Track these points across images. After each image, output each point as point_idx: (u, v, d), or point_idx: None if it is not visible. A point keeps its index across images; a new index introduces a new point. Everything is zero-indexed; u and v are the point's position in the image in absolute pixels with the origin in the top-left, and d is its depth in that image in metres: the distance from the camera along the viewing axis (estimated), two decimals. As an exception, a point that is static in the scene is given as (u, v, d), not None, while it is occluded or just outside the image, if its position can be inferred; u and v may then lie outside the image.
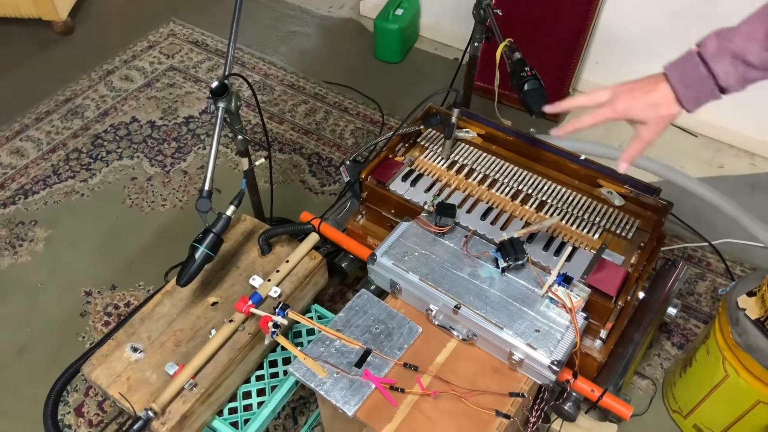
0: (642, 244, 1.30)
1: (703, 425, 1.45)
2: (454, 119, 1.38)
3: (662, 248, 1.51)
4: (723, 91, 0.88)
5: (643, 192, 1.34)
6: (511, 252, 1.17)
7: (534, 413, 1.22)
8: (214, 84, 1.22)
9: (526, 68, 1.28)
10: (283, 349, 1.37)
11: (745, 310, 1.26)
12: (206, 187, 1.22)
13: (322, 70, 2.56)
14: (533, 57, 1.41)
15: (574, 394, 1.24)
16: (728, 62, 0.85)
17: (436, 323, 1.20)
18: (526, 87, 1.26)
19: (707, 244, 1.88)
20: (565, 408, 1.26)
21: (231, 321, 1.25)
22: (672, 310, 1.43)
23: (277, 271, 1.33)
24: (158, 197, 2.10)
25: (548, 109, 1.01)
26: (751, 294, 1.28)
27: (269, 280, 1.31)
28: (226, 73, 1.25)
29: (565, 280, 1.16)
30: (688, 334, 1.71)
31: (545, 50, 2.19)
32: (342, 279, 1.74)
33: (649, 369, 1.64)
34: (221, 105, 1.24)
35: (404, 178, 1.42)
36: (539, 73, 1.30)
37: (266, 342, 1.23)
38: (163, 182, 2.15)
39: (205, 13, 2.87)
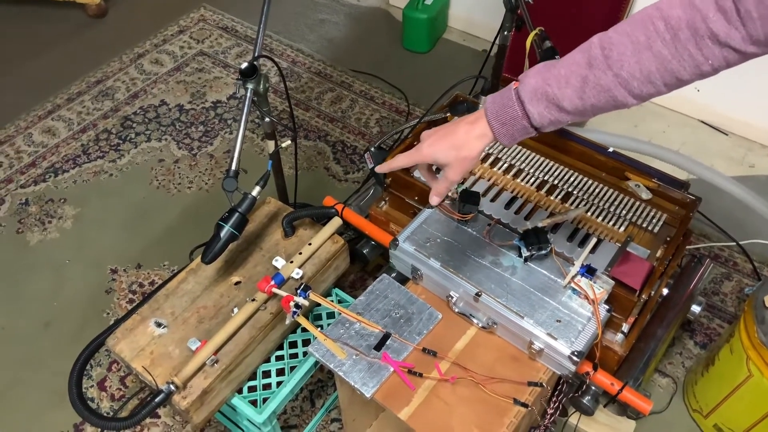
0: (668, 239, 1.28)
1: (723, 425, 1.43)
2: (481, 106, 1.37)
3: (689, 246, 1.49)
4: (537, 129, 0.89)
5: (671, 186, 1.32)
6: (534, 241, 1.16)
7: (552, 405, 1.21)
8: (244, 65, 1.23)
9: (557, 57, 1.26)
10: (304, 330, 1.38)
11: (772, 309, 1.23)
12: (233, 167, 1.23)
13: (349, 58, 2.57)
14: (564, 49, 1.40)
15: (593, 387, 1.23)
16: (543, 105, 0.85)
17: (456, 310, 1.20)
18: (555, 76, 1.24)
19: (735, 244, 1.85)
20: (584, 401, 1.25)
21: (253, 300, 1.26)
22: (696, 308, 1.41)
23: (300, 254, 1.34)
24: (185, 179, 2.13)
25: (378, 169, 1.07)
26: (778, 293, 1.25)
27: (292, 262, 1.32)
28: (256, 54, 1.26)
29: (589, 271, 1.15)
30: (712, 333, 1.68)
31: (575, 44, 2.16)
32: (363, 266, 1.75)
33: (671, 367, 1.62)
34: (250, 86, 1.26)
35: (429, 166, 1.42)
36: None
37: (287, 322, 1.24)
38: (190, 165, 2.18)
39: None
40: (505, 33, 1.61)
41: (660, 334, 1.29)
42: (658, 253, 1.26)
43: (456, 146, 0.92)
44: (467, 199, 1.23)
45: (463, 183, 1.39)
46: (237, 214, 1.22)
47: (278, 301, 1.27)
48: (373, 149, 1.59)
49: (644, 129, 2.22)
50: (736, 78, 2.11)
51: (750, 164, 2.12)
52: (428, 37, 2.56)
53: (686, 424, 1.52)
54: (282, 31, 2.67)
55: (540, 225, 1.18)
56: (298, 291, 1.20)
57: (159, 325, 1.27)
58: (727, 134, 2.21)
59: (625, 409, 1.28)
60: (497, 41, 1.66)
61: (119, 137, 2.27)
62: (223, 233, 1.21)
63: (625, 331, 1.22)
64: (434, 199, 1.02)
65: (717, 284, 1.79)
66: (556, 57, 1.28)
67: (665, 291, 1.35)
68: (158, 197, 2.08)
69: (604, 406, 1.29)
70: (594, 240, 1.22)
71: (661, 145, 1.99)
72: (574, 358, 1.07)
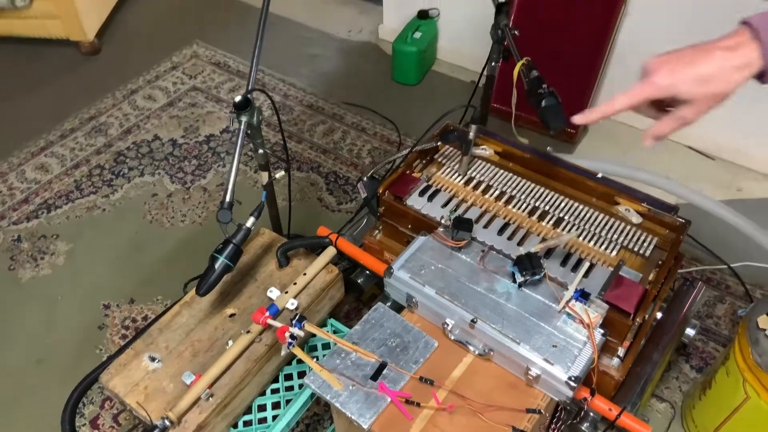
0: (660, 262, 1.29)
1: (723, 449, 1.42)
2: (471, 135, 1.40)
3: (680, 270, 1.51)
4: None
5: (660, 210, 1.34)
6: (528, 266, 1.17)
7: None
8: (238, 98, 1.25)
9: (544, 85, 1.29)
10: (299, 362, 1.37)
11: (765, 330, 1.24)
12: (227, 199, 1.24)
13: (340, 91, 2.61)
14: (550, 78, 1.43)
15: (591, 413, 1.22)
16: None
17: (452, 338, 1.20)
18: (543, 103, 1.27)
19: (726, 266, 1.86)
20: (582, 428, 1.24)
21: (248, 332, 1.25)
22: (690, 331, 1.41)
23: (295, 284, 1.34)
24: (178, 213, 2.13)
25: (577, 119, 0.86)
26: (771, 314, 1.26)
27: (286, 293, 1.32)
28: (250, 88, 1.28)
29: (583, 295, 1.15)
30: (707, 357, 1.68)
31: (562, 71, 2.21)
32: (358, 296, 1.75)
33: (668, 392, 1.61)
34: (244, 119, 1.27)
35: (421, 194, 1.43)
36: (556, 93, 1.32)
37: (282, 353, 1.24)
38: (183, 199, 2.18)
39: (229, 35, 2.94)
40: (493, 64, 1.64)
41: (656, 357, 1.29)
42: (651, 277, 1.27)
43: (705, 78, 0.75)
44: (460, 226, 1.24)
45: (455, 210, 1.40)
46: (231, 246, 1.22)
47: (273, 332, 1.27)
48: (365, 179, 1.61)
49: (633, 156, 2.26)
50: (726, 104, 2.16)
51: (737, 188, 2.15)
52: (418, 69, 2.60)
53: (686, 449, 1.51)
54: (274, 66, 2.71)
55: (533, 250, 1.19)
56: (293, 321, 1.20)
57: (153, 359, 1.25)
58: (713, 159, 2.25)
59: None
60: (485, 72, 1.70)
61: (112, 172, 2.28)
62: (218, 265, 1.21)
63: (621, 355, 1.22)
64: (648, 141, 0.82)
65: (710, 307, 1.80)
66: (543, 86, 1.31)
67: (659, 315, 1.35)
68: (151, 231, 2.08)
69: (603, 433, 1.28)
70: (587, 264, 1.23)
71: (650, 170, 2.02)
72: (572, 384, 1.07)
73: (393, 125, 2.42)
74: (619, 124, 2.40)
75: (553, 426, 1.23)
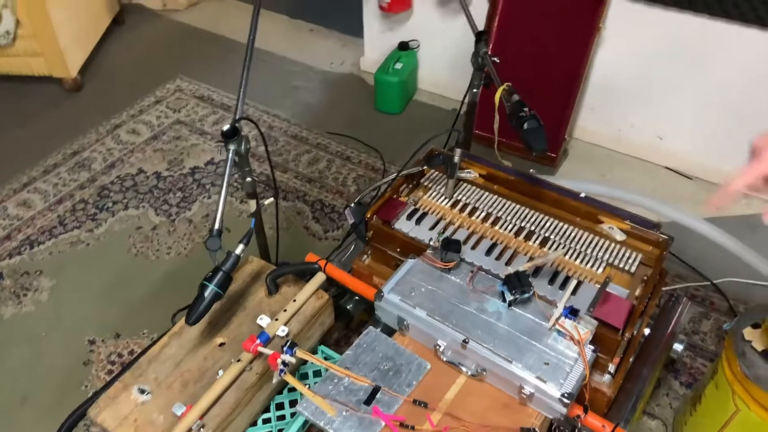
0: (645, 278, 1.31)
1: (717, 464, 1.42)
2: (456, 158, 1.43)
3: (665, 288, 1.53)
4: None
5: (643, 227, 1.37)
6: (517, 285, 1.18)
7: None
8: (226, 127, 1.27)
9: (525, 108, 1.33)
10: (290, 391, 1.36)
11: (751, 342, 1.26)
12: (216, 226, 1.24)
13: (324, 121, 2.64)
14: (531, 101, 1.47)
15: (584, 432, 1.22)
16: None
17: (445, 359, 1.20)
18: (525, 126, 1.30)
19: (709, 283, 1.89)
20: (577, 447, 1.24)
21: (239, 361, 1.24)
22: (678, 346, 1.43)
23: (285, 311, 1.33)
24: (163, 246, 2.12)
25: (711, 209, 0.92)
26: (756, 326, 1.28)
27: (276, 320, 1.32)
28: (237, 117, 1.30)
29: (572, 312, 1.17)
30: (696, 372, 1.70)
31: (540, 99, 2.26)
32: (347, 323, 1.74)
33: (659, 409, 1.62)
34: (232, 147, 1.28)
35: (409, 217, 1.45)
36: (538, 116, 1.35)
37: (274, 381, 1.22)
38: (168, 231, 2.17)
39: (212, 70, 2.97)
40: (474, 90, 1.68)
41: (646, 373, 1.30)
42: (637, 292, 1.29)
43: None
44: (449, 247, 1.26)
45: (443, 232, 1.42)
46: (221, 273, 1.22)
47: (264, 360, 1.26)
48: (352, 205, 1.62)
49: (612, 178, 2.30)
50: (696, 124, 2.23)
51: (716, 206, 2.20)
52: (400, 99, 2.65)
53: (680, 466, 1.51)
54: (258, 98, 2.74)
55: (521, 269, 1.21)
56: (285, 348, 1.19)
57: (142, 391, 1.24)
58: (691, 178, 2.31)
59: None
60: (467, 98, 1.74)
61: (96, 207, 2.27)
62: (207, 293, 1.21)
63: (612, 371, 1.23)
64: None
65: (696, 323, 1.82)
66: (525, 109, 1.35)
67: (647, 331, 1.37)
68: (137, 265, 2.06)
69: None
70: (574, 282, 1.24)
71: (634, 190, 2.08)
72: (565, 400, 1.07)
73: (377, 153, 2.45)
74: (597, 147, 2.45)
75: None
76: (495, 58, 1.57)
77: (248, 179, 1.39)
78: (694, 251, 1.96)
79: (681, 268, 1.94)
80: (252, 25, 1.33)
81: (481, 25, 2.00)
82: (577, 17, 2.13)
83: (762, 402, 1.25)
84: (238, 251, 1.26)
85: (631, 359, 1.29)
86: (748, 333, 1.28)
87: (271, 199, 1.35)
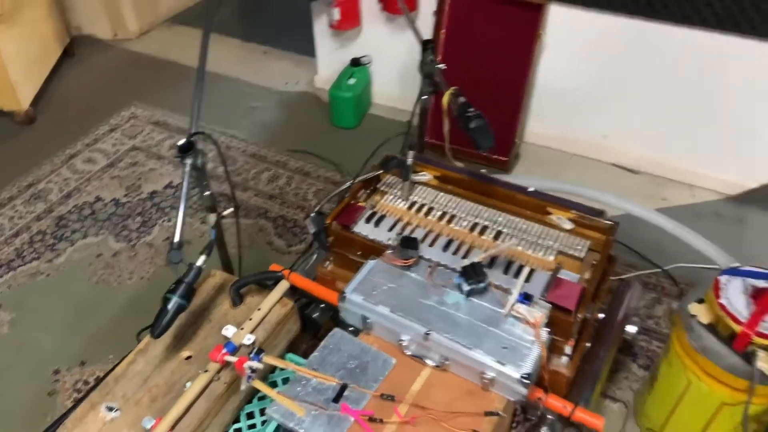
0: (594, 262, 1.38)
1: (677, 438, 1.49)
2: (409, 160, 1.48)
3: (619, 276, 1.60)
4: None
5: (588, 215, 1.44)
6: (472, 275, 1.23)
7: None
8: (181, 141, 1.29)
9: (470, 109, 1.39)
10: (260, 399, 1.37)
11: (696, 316, 1.33)
12: (177, 239, 1.26)
13: (282, 139, 2.67)
14: (480, 108, 1.53)
15: (548, 416, 1.27)
16: None
17: (409, 353, 1.24)
18: (472, 125, 1.36)
19: (660, 270, 1.98)
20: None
21: (206, 371, 1.25)
22: (631, 328, 1.49)
23: (250, 319, 1.35)
24: (125, 271, 2.11)
25: None
26: (700, 301, 1.36)
27: (242, 329, 1.33)
28: (192, 131, 1.32)
29: (526, 298, 1.22)
30: (653, 355, 1.77)
31: (489, 105, 2.33)
32: (315, 333, 1.76)
33: (620, 392, 1.68)
34: (189, 161, 1.31)
35: (367, 221, 1.49)
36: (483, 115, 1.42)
37: (242, 387, 1.24)
38: (129, 256, 2.16)
39: (166, 95, 2.98)
40: (424, 97, 1.74)
41: (602, 354, 1.36)
42: (587, 276, 1.35)
43: None
44: (407, 245, 1.30)
45: (401, 233, 1.46)
46: (184, 284, 1.23)
47: (232, 370, 1.27)
48: (313, 214, 1.65)
49: (563, 177, 2.39)
50: (638, 122, 2.34)
51: (662, 197, 2.31)
52: (355, 113, 2.71)
53: (643, 444, 1.57)
54: (216, 121, 2.76)
55: (476, 260, 1.26)
56: (251, 355, 1.21)
57: (110, 409, 1.23)
58: (638, 173, 2.41)
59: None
60: (418, 105, 1.79)
61: (54, 237, 2.24)
62: (171, 305, 1.22)
63: (569, 353, 1.28)
64: None
65: (650, 309, 1.90)
66: (470, 110, 1.41)
67: (601, 315, 1.43)
68: (99, 292, 2.04)
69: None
70: (527, 270, 1.30)
71: (586, 186, 2.18)
72: (525, 381, 1.12)
73: (335, 166, 2.49)
74: (547, 149, 2.55)
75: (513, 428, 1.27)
76: (441, 65, 1.64)
77: (207, 192, 1.41)
78: (645, 241, 2.05)
79: (633, 258, 2.03)
80: (204, 32, 1.36)
81: (428, 36, 2.07)
82: (518, 25, 2.23)
83: (711, 372, 1.32)
84: (199, 262, 1.27)
85: (587, 343, 1.34)
86: (694, 308, 1.35)
87: (231, 209, 1.37)
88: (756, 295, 1.30)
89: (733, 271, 1.36)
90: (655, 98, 2.26)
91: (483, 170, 1.60)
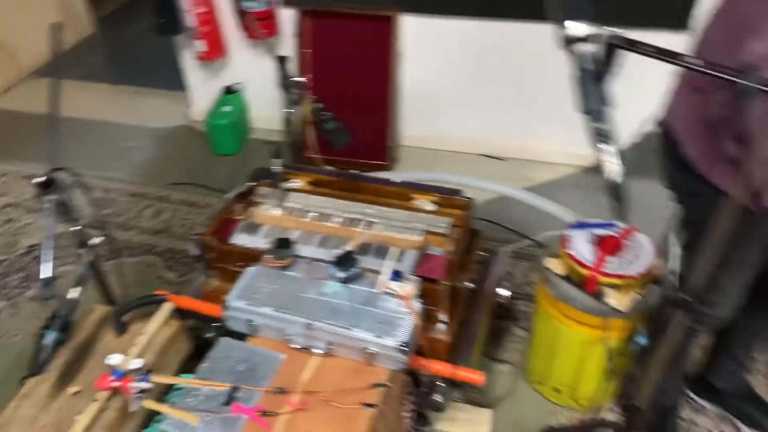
0: (456, 237, 1.50)
1: (559, 384, 1.63)
2: (277, 168, 1.55)
3: (495, 253, 1.73)
4: None
5: (447, 195, 1.56)
6: (345, 263, 1.31)
7: (407, 409, 1.32)
8: (39, 179, 1.29)
9: (324, 112, 1.48)
10: (159, 421, 1.37)
11: (552, 269, 1.48)
12: (45, 275, 1.25)
13: (162, 175, 2.66)
14: (353, 118, 1.64)
15: (437, 382, 1.36)
16: None
17: (296, 346, 1.29)
18: (327, 126, 1.46)
19: (532, 240, 2.16)
20: (435, 399, 1.38)
21: (95, 401, 1.24)
22: (504, 291, 1.63)
23: (134, 345, 1.35)
24: (9, 329, 2.02)
25: None
26: (555, 256, 1.51)
27: (128, 355, 1.33)
28: (51, 167, 1.32)
29: (397, 275, 1.32)
30: (532, 317, 1.92)
31: (360, 116, 2.46)
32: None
33: (507, 354, 1.81)
34: (52, 197, 1.30)
35: (243, 231, 1.53)
36: (359, 131, 1.50)
37: (131, 409, 1.24)
38: (11, 314, 2.07)
39: (37, 148, 2.87)
40: (287, 110, 1.82)
41: (476, 318, 1.48)
42: (452, 249, 1.47)
43: None
44: (281, 245, 1.36)
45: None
46: (57, 318, 1.22)
47: (122, 396, 1.27)
48: (194, 238, 1.67)
49: (441, 171, 2.55)
50: (496, 113, 2.54)
51: (528, 178, 2.51)
52: (234, 139, 2.74)
53: (533, 398, 1.70)
54: (90, 166, 2.68)
55: (347, 249, 1.34)
56: (138, 376, 1.22)
57: (-4, 458, 1.19)
58: (504, 160, 2.61)
59: (471, 393, 1.43)
60: (283, 117, 1.87)
61: (-76, 309, 2.10)
62: (46, 340, 1.20)
63: (446, 320, 1.39)
64: None
65: (527, 276, 2.07)
66: (324, 113, 1.51)
67: (472, 285, 1.55)
68: (-18, 354, 1.94)
69: (452, 398, 1.43)
70: (396, 250, 1.39)
71: (455, 174, 2.34)
72: (403, 348, 1.20)
73: (221, 193, 2.51)
74: (422, 149, 2.70)
75: (407, 402, 1.35)
76: (300, 79, 1.73)
77: (74, 228, 1.40)
78: (516, 218, 2.23)
79: (508, 235, 2.20)
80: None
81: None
82: (373, 38, 2.38)
83: (571, 315, 1.47)
84: (73, 295, 1.27)
85: (461, 309, 1.46)
86: (549, 262, 1.50)
87: (103, 237, 1.38)
88: (599, 242, 1.47)
89: (579, 225, 1.53)
90: (507, 89, 2.47)
91: (353, 171, 1.70)
